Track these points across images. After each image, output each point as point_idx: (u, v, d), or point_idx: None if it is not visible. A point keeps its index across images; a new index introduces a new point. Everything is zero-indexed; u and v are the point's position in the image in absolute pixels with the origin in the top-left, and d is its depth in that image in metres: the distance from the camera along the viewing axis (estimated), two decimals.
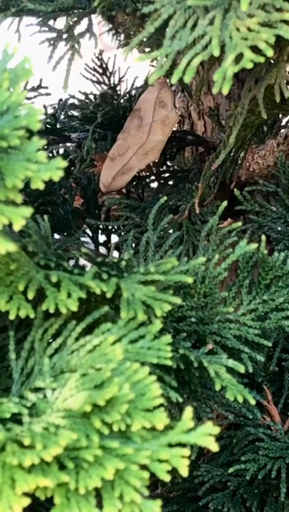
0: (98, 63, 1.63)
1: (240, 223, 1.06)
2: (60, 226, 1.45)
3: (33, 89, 1.52)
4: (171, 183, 1.50)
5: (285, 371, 1.29)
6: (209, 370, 0.92)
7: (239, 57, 0.84)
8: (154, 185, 1.53)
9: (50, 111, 1.57)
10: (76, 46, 1.15)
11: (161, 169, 1.52)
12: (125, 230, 1.42)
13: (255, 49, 0.84)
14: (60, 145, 1.55)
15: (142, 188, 1.51)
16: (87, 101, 1.59)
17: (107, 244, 1.53)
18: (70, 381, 0.82)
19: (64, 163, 0.78)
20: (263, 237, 1.04)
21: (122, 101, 1.54)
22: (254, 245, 1.00)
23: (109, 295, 0.87)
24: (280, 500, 1.19)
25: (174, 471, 0.79)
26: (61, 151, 1.55)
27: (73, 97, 1.60)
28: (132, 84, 1.57)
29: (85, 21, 1.16)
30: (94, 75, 1.63)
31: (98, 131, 1.50)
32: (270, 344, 0.99)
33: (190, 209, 1.39)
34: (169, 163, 1.55)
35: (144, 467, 0.78)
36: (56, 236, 1.45)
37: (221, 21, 0.85)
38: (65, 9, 1.14)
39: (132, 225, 1.42)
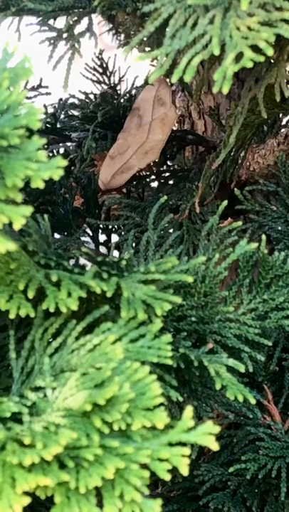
0: (98, 63, 1.63)
1: (240, 223, 1.06)
2: (60, 225, 1.45)
3: (33, 88, 1.52)
4: (171, 182, 1.50)
5: (286, 370, 1.29)
6: (209, 370, 0.92)
7: (239, 57, 0.84)
8: (155, 184, 1.53)
9: (51, 110, 1.57)
10: (76, 45, 1.15)
11: (162, 169, 1.52)
12: (125, 229, 1.42)
13: (256, 48, 0.84)
14: (61, 144, 1.55)
15: (142, 187, 1.51)
16: (87, 100, 1.59)
17: (107, 243, 1.53)
18: (71, 380, 0.82)
19: (64, 162, 0.78)
20: (264, 237, 1.04)
21: (122, 100, 1.54)
22: (254, 245, 1.00)
23: (109, 294, 0.87)
24: (281, 499, 1.19)
25: (174, 470, 0.79)
26: (61, 150, 1.55)
27: (73, 96, 1.60)
28: (133, 84, 1.57)
29: (85, 21, 1.16)
30: (94, 75, 1.63)
31: (98, 131, 1.50)
32: (270, 343, 0.99)
33: (190, 208, 1.39)
34: (169, 162, 1.55)
35: (144, 466, 0.78)
36: (56, 235, 1.45)
37: (221, 20, 0.85)
38: (65, 8, 1.14)
39: (133, 224, 1.42)
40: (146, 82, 1.53)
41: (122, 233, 1.44)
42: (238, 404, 1.18)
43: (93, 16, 1.20)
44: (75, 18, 1.14)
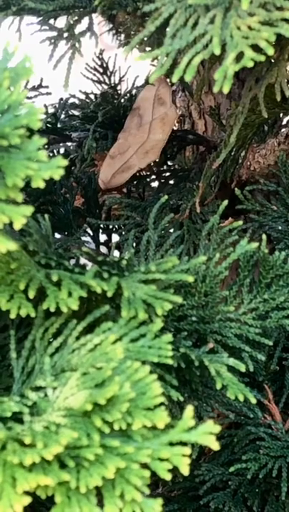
0: (99, 63, 1.63)
1: (240, 222, 1.06)
2: (60, 225, 1.45)
3: (33, 88, 1.52)
4: (172, 182, 1.50)
5: (286, 370, 1.29)
6: (210, 369, 0.92)
7: (240, 56, 0.84)
8: (155, 184, 1.53)
9: (51, 110, 1.57)
10: (77, 45, 1.15)
11: (162, 168, 1.52)
12: (126, 229, 1.42)
13: (256, 48, 0.84)
14: (61, 144, 1.55)
15: (142, 187, 1.51)
16: (87, 100, 1.59)
17: (107, 243, 1.53)
18: (71, 380, 0.82)
19: (65, 162, 0.78)
20: (264, 236, 1.04)
21: (122, 100, 1.54)
22: (255, 244, 1.00)
23: (110, 294, 0.87)
24: (281, 499, 1.19)
25: (174, 470, 0.79)
26: (62, 150, 1.55)
27: (74, 96, 1.60)
28: (133, 84, 1.57)
29: (85, 20, 1.16)
30: (94, 75, 1.63)
31: (99, 131, 1.50)
32: (270, 343, 0.99)
33: (191, 208, 1.39)
34: (169, 162, 1.55)
35: (144, 466, 0.78)
36: (57, 235, 1.45)
37: (221, 20, 0.85)
38: (66, 8, 1.14)
39: (133, 224, 1.42)
40: (146, 82, 1.53)
41: (123, 233, 1.44)
42: (239, 404, 1.18)
43: (93, 15, 1.20)
44: (76, 17, 1.14)
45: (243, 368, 0.92)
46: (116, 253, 1.63)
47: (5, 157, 0.78)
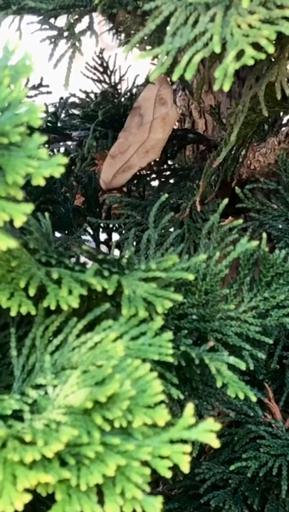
0: (99, 62, 1.63)
1: (241, 221, 1.06)
2: (61, 224, 1.45)
3: (34, 87, 1.52)
4: (172, 181, 1.50)
5: (286, 369, 1.29)
6: (210, 367, 0.92)
7: (240, 54, 0.84)
8: (155, 183, 1.53)
9: (51, 109, 1.57)
10: (77, 44, 1.15)
11: (162, 167, 1.52)
12: (126, 228, 1.42)
13: (257, 46, 0.84)
14: (61, 143, 1.55)
15: (142, 186, 1.51)
16: (88, 99, 1.59)
17: (108, 242, 1.53)
18: (71, 378, 0.82)
19: (65, 160, 0.78)
20: (264, 235, 1.04)
21: (122, 99, 1.54)
22: (255, 243, 1.00)
23: (110, 292, 0.87)
24: (281, 497, 1.19)
25: (175, 469, 0.79)
26: (62, 149, 1.55)
27: (74, 95, 1.60)
28: (133, 83, 1.57)
29: (86, 19, 1.16)
30: (94, 74, 1.63)
31: (99, 130, 1.50)
32: (271, 341, 0.99)
33: (191, 207, 1.39)
34: (170, 161, 1.55)
35: (145, 463, 0.78)
36: (57, 234, 1.45)
37: (222, 18, 0.85)
38: (66, 7, 1.14)
39: (133, 223, 1.42)
40: (147, 81, 1.53)
41: (123, 232, 1.44)
42: (239, 403, 1.18)
43: (94, 15, 1.20)
44: (76, 16, 1.14)
45: (243, 367, 0.92)
46: (116, 252, 1.63)
47: (5, 155, 0.78)
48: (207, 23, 0.86)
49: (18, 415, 0.82)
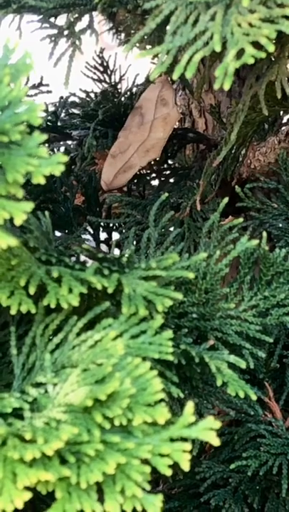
0: (99, 61, 1.63)
1: (241, 220, 1.06)
2: (61, 224, 1.45)
3: (34, 86, 1.52)
4: (172, 180, 1.50)
5: (287, 368, 1.29)
6: (211, 366, 0.92)
7: (240, 53, 0.84)
8: (156, 182, 1.53)
9: (51, 108, 1.57)
10: (77, 43, 1.15)
11: (163, 167, 1.52)
12: (126, 227, 1.43)
13: (257, 45, 0.84)
14: (61, 143, 1.55)
15: (143, 185, 1.51)
16: (88, 99, 1.59)
17: (108, 241, 1.53)
18: (72, 376, 0.82)
19: (65, 158, 0.78)
20: (264, 234, 1.04)
21: (122, 99, 1.54)
22: (255, 242, 1.00)
23: (110, 290, 0.87)
24: (282, 496, 1.19)
25: (175, 467, 0.79)
26: (62, 148, 1.55)
27: (74, 94, 1.60)
28: (133, 82, 1.57)
29: (86, 18, 1.16)
30: (95, 73, 1.64)
31: (99, 129, 1.50)
32: (271, 340, 0.99)
33: (191, 206, 1.39)
34: (170, 160, 1.55)
35: (145, 462, 0.78)
36: (57, 233, 1.45)
37: (222, 17, 0.85)
38: (66, 6, 1.14)
39: (133, 222, 1.42)
40: (147, 81, 1.53)
41: (123, 231, 1.44)
42: (239, 401, 1.18)
43: (94, 14, 1.20)
44: (76, 15, 1.14)
45: (243, 365, 0.92)
46: (116, 251, 1.63)
47: (5, 153, 0.78)
48: (207, 22, 0.86)
49: (18, 413, 0.82)
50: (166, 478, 1.25)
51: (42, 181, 0.77)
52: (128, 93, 1.56)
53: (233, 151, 1.36)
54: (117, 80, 1.63)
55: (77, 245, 1.19)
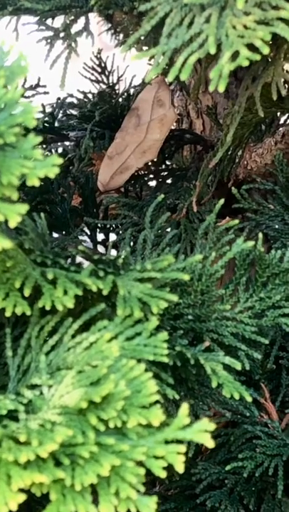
0: (97, 62, 1.63)
1: (237, 221, 1.06)
2: (58, 225, 1.45)
3: (31, 87, 1.52)
4: (169, 181, 1.50)
5: (283, 369, 1.29)
6: (206, 368, 0.92)
7: (236, 55, 0.84)
8: (153, 183, 1.53)
9: (49, 109, 1.57)
10: (73, 45, 1.15)
11: (160, 168, 1.52)
12: (123, 228, 1.43)
13: (252, 47, 0.85)
14: (59, 144, 1.56)
15: (140, 186, 1.51)
16: (85, 100, 1.59)
17: (105, 242, 1.53)
18: (67, 378, 0.82)
19: (60, 160, 0.78)
20: (260, 235, 1.04)
21: (120, 100, 1.54)
22: (251, 243, 1.00)
23: (105, 292, 0.88)
24: (277, 497, 1.20)
25: (171, 469, 0.79)
26: (60, 149, 1.55)
27: (72, 95, 1.60)
28: (130, 83, 1.58)
29: (82, 20, 1.16)
30: (92, 74, 1.64)
31: (96, 130, 1.50)
32: (267, 342, 0.99)
33: (188, 207, 1.39)
34: (167, 161, 1.55)
35: (140, 464, 0.78)
36: (54, 235, 1.45)
37: (217, 19, 0.86)
38: (63, 8, 1.14)
39: (130, 223, 1.42)
40: (144, 82, 1.53)
41: (120, 232, 1.44)
42: (235, 403, 1.18)
43: (92, 15, 1.20)
44: (72, 17, 1.14)
45: (238, 367, 0.92)
46: (113, 252, 1.63)
47: (0, 155, 0.78)
48: (202, 24, 0.86)
49: (13, 415, 0.82)
50: (162, 480, 1.25)
51: (36, 183, 0.77)
52: (125, 94, 1.56)
53: (229, 153, 1.36)
54: (114, 81, 1.63)
55: (73, 247, 1.19)
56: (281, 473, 1.18)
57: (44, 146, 1.54)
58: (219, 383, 0.92)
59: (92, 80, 1.64)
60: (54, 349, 0.87)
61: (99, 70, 1.64)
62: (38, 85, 1.53)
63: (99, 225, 1.49)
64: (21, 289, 0.86)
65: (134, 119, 1.45)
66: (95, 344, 0.85)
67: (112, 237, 1.52)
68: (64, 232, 1.45)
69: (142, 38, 0.98)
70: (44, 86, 1.54)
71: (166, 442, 0.79)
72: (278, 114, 1.50)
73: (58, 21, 1.19)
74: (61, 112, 1.58)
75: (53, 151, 1.55)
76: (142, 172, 1.50)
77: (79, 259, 0.98)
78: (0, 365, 0.90)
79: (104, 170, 1.46)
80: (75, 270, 0.88)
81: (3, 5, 1.14)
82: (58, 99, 1.58)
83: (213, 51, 0.85)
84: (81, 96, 1.60)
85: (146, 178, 1.52)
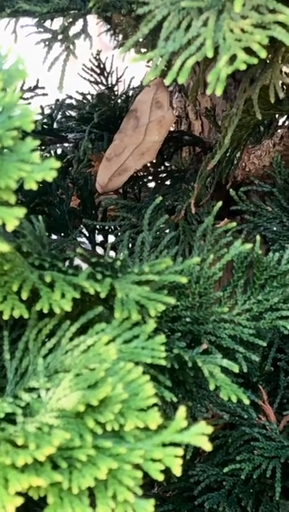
0: (96, 63, 1.63)
1: (235, 223, 1.06)
2: (56, 226, 1.45)
3: (30, 89, 1.52)
4: (167, 183, 1.50)
5: (280, 371, 1.29)
6: (204, 370, 0.92)
7: (233, 59, 0.84)
8: (151, 185, 1.53)
9: (47, 111, 1.57)
10: (71, 47, 1.15)
11: (158, 169, 1.53)
12: (122, 230, 1.43)
13: (249, 50, 0.85)
14: (58, 145, 1.56)
15: (138, 188, 1.51)
16: (84, 101, 1.59)
17: (103, 244, 1.53)
18: (64, 381, 0.82)
19: (58, 164, 0.78)
20: (258, 237, 1.04)
21: (118, 101, 1.54)
22: (249, 245, 1.01)
23: (103, 295, 0.88)
24: (275, 499, 1.20)
25: (169, 471, 0.79)
26: (59, 151, 1.55)
27: (70, 97, 1.60)
28: (129, 85, 1.58)
29: (80, 22, 1.16)
30: (91, 75, 1.64)
31: (95, 132, 1.51)
32: (264, 344, 0.99)
33: (186, 209, 1.39)
34: (166, 163, 1.55)
35: (137, 467, 0.78)
36: (53, 236, 1.46)
37: (214, 22, 0.86)
38: (61, 10, 1.14)
39: (129, 225, 1.42)
40: (142, 84, 1.53)
41: (119, 234, 1.44)
42: (233, 405, 1.19)
43: (91, 16, 1.20)
44: (70, 19, 1.14)
45: (236, 369, 0.92)
46: (112, 254, 1.63)
47: None
48: (200, 28, 0.86)
49: (10, 418, 0.82)
50: (160, 482, 1.25)
51: (34, 187, 0.77)
52: (124, 96, 1.56)
53: (227, 154, 1.36)
54: (113, 82, 1.63)
55: (71, 248, 1.19)
56: (279, 475, 1.18)
57: (43, 147, 1.54)
58: (217, 385, 0.92)
59: (90, 82, 1.64)
60: (52, 352, 0.87)
61: (98, 71, 1.64)
62: (36, 87, 1.53)
63: (97, 226, 1.49)
64: (19, 292, 0.86)
65: (133, 121, 1.45)
66: (92, 347, 0.85)
67: (111, 238, 1.52)
68: (62, 234, 1.45)
69: (140, 40, 0.98)
70: (42, 88, 1.54)
71: (164, 445, 0.79)
72: (276, 116, 1.50)
73: (57, 23, 1.19)
74: (60, 113, 1.58)
75: (51, 152, 1.55)
76: (141, 174, 1.50)
77: (77, 261, 0.98)
78: None
79: (102, 171, 1.46)
80: (73, 273, 0.88)
81: (2, 7, 1.14)
82: (57, 100, 1.58)
83: (210, 55, 0.85)
84: (80, 97, 1.60)
85: (144, 180, 1.52)
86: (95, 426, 0.79)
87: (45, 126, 1.54)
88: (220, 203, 1.08)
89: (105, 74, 1.64)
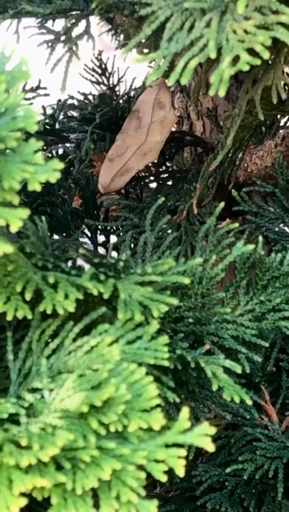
0: (97, 64, 1.63)
1: (237, 224, 1.06)
2: (58, 227, 1.45)
3: (32, 90, 1.52)
4: (170, 183, 1.50)
5: (283, 371, 1.29)
6: (206, 371, 0.92)
7: (236, 60, 0.85)
8: (153, 185, 1.53)
9: (49, 111, 1.57)
10: (74, 48, 1.15)
11: (160, 170, 1.53)
12: (124, 230, 1.43)
13: (252, 51, 0.85)
14: (60, 145, 1.56)
15: (140, 188, 1.51)
16: (86, 101, 1.59)
17: (106, 244, 1.53)
18: (68, 382, 0.82)
19: (61, 165, 0.78)
20: (260, 238, 1.04)
21: (120, 102, 1.54)
22: (251, 246, 1.01)
23: (106, 296, 0.88)
24: (278, 500, 1.20)
25: (171, 471, 0.79)
26: (60, 151, 1.55)
27: (72, 97, 1.60)
28: (131, 85, 1.58)
29: (83, 23, 1.16)
30: (93, 76, 1.64)
31: (97, 132, 1.51)
32: (267, 345, 1.00)
33: (188, 210, 1.39)
34: (168, 163, 1.55)
35: (140, 467, 0.78)
36: (55, 237, 1.46)
37: (217, 24, 0.86)
38: (63, 11, 1.14)
39: (131, 225, 1.42)
40: (144, 84, 1.53)
41: (121, 234, 1.44)
42: (236, 405, 1.19)
43: (92, 17, 1.20)
44: (73, 20, 1.14)
45: (238, 370, 0.93)
46: (114, 254, 1.63)
47: (1, 160, 0.78)
48: (203, 29, 0.87)
49: (14, 419, 0.82)
50: (163, 482, 1.25)
51: (38, 188, 0.77)
52: (126, 96, 1.56)
53: (230, 155, 1.36)
54: (115, 83, 1.64)
55: (74, 250, 1.19)
56: (281, 476, 1.18)
57: (45, 148, 1.54)
58: (220, 386, 0.92)
59: (92, 82, 1.64)
60: (55, 353, 0.87)
61: (99, 71, 1.64)
62: (38, 87, 1.53)
63: (100, 227, 1.49)
64: (22, 292, 0.86)
65: (135, 121, 1.45)
66: (95, 348, 0.85)
67: (113, 239, 1.52)
68: (65, 234, 1.45)
69: (143, 41, 0.98)
70: (45, 88, 1.54)
71: (167, 446, 0.79)
72: (278, 116, 1.51)
73: (59, 24, 1.19)
74: (62, 113, 1.58)
75: (53, 152, 1.55)
76: (143, 174, 1.50)
77: (80, 262, 0.98)
78: (1, 369, 0.91)
79: (104, 172, 1.46)
80: (76, 274, 0.89)
81: (4, 8, 1.14)
82: (59, 101, 1.58)
83: (213, 56, 0.85)
84: (82, 98, 1.60)
85: (146, 180, 1.52)
86: (99, 427, 0.79)
87: (47, 127, 1.54)
88: (222, 204, 1.08)
89: (107, 74, 1.64)
